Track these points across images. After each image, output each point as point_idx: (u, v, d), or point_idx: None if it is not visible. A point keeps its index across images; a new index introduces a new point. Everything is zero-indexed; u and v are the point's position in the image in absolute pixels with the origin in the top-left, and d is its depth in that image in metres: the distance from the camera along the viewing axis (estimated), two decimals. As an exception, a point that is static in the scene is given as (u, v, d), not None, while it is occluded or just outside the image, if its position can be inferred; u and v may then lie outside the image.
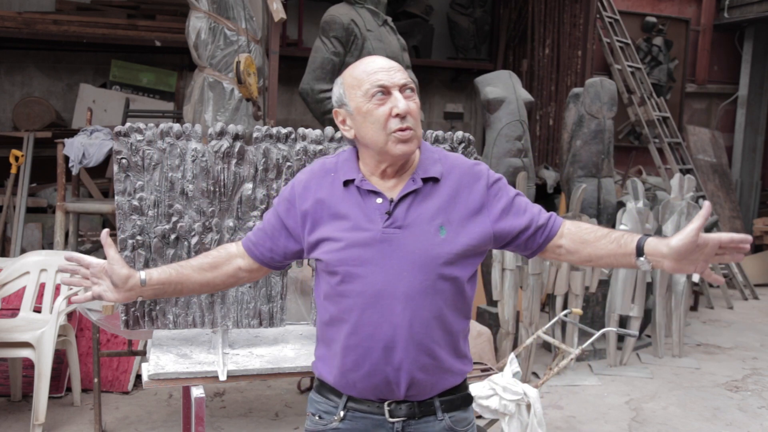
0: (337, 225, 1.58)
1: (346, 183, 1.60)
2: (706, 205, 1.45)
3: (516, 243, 1.65)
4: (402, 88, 1.54)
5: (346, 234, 1.56)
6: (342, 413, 1.61)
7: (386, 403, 1.58)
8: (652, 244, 1.51)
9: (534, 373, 4.42)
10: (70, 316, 3.78)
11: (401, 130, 1.52)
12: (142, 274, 1.61)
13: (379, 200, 1.57)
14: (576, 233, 1.63)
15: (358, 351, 1.56)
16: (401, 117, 1.53)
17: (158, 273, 1.63)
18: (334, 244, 1.56)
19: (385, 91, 1.53)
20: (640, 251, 1.52)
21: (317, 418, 1.66)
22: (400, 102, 1.53)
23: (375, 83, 1.53)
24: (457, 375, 1.63)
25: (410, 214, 1.56)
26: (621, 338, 4.88)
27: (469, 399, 1.69)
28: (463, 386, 1.67)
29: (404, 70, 1.58)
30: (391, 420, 1.58)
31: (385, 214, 1.55)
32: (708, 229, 6.49)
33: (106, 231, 1.64)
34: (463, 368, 1.65)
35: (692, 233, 1.43)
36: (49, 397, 3.43)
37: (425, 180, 1.59)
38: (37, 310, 3.76)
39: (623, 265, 1.57)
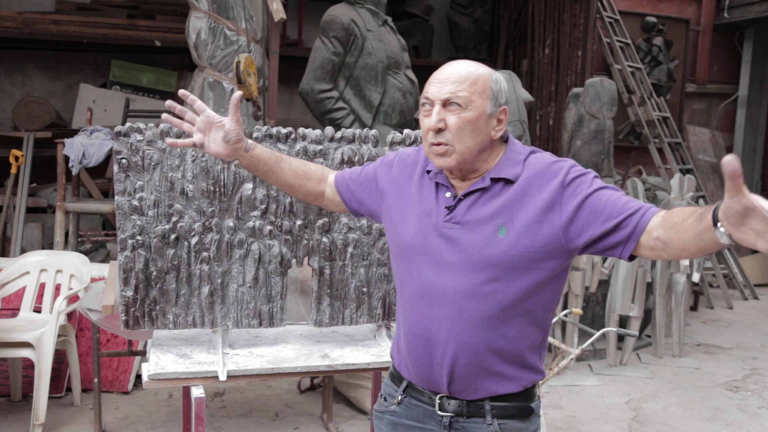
0: (413, 208, 1.64)
1: (429, 172, 1.65)
2: (727, 159, 1.10)
3: (602, 243, 1.47)
4: (445, 102, 1.52)
5: (414, 220, 1.61)
6: (400, 397, 1.68)
7: (438, 396, 1.61)
8: (722, 208, 1.20)
9: (534, 373, 4.42)
10: (70, 316, 3.78)
11: (434, 144, 1.54)
12: (250, 142, 1.76)
13: (448, 194, 1.59)
14: (668, 218, 1.39)
15: (410, 337, 1.61)
16: (434, 132, 1.53)
17: (261, 150, 1.78)
18: (403, 229, 1.63)
19: (430, 103, 1.55)
20: (715, 220, 1.23)
21: (383, 399, 1.74)
22: (433, 117, 1.52)
23: (424, 94, 1.57)
24: (512, 382, 1.58)
25: (471, 211, 1.54)
26: (621, 338, 4.88)
27: (527, 410, 1.61)
28: (522, 395, 1.60)
29: (464, 82, 1.52)
30: (440, 413, 1.61)
31: (445, 209, 1.57)
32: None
33: (237, 94, 1.76)
34: (522, 376, 1.58)
35: (732, 190, 1.13)
36: (49, 397, 3.43)
37: (496, 180, 1.55)
38: (37, 310, 3.76)
39: (708, 244, 1.29)
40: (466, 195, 1.56)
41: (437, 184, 1.62)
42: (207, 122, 1.73)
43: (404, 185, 1.69)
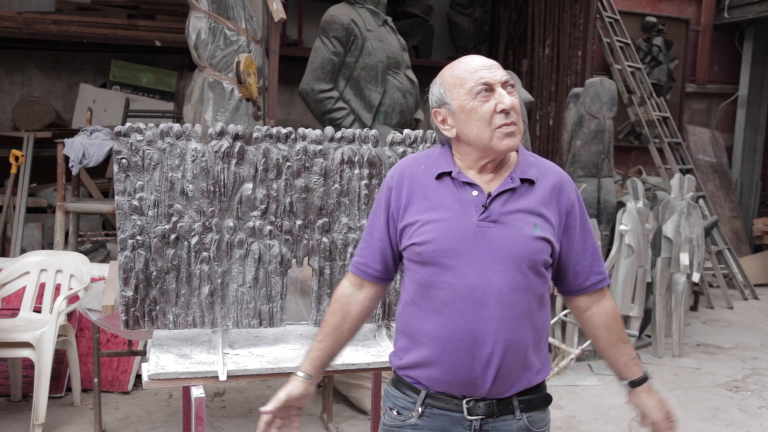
0: (430, 214, 1.57)
1: (441, 175, 1.60)
2: None
3: (554, 267, 1.66)
4: (504, 85, 1.57)
5: (440, 224, 1.55)
6: (420, 409, 1.61)
7: (465, 401, 1.57)
8: (643, 392, 1.72)
9: (534, 373, 4.42)
10: (70, 316, 3.78)
11: (507, 125, 1.54)
12: (303, 375, 1.73)
13: (475, 193, 1.57)
14: (599, 321, 1.70)
15: (447, 343, 1.54)
16: (506, 112, 1.54)
17: (312, 366, 1.74)
18: (428, 234, 1.56)
19: (489, 88, 1.55)
20: (631, 382, 1.72)
21: (395, 413, 1.66)
22: (506, 98, 1.55)
23: (479, 81, 1.55)
24: (538, 374, 1.63)
25: (505, 210, 1.56)
26: (621, 338, 4.87)
27: (548, 399, 1.68)
28: (542, 386, 1.66)
29: (502, 67, 1.61)
30: (469, 418, 1.57)
31: (481, 207, 1.55)
32: (708, 229, 6.50)
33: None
34: (542, 367, 1.64)
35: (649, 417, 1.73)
36: (49, 397, 3.43)
37: (522, 180, 1.59)
38: (37, 310, 3.76)
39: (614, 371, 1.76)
40: (498, 194, 1.57)
41: (458, 184, 1.58)
42: (285, 411, 1.73)
43: (413, 194, 1.62)
